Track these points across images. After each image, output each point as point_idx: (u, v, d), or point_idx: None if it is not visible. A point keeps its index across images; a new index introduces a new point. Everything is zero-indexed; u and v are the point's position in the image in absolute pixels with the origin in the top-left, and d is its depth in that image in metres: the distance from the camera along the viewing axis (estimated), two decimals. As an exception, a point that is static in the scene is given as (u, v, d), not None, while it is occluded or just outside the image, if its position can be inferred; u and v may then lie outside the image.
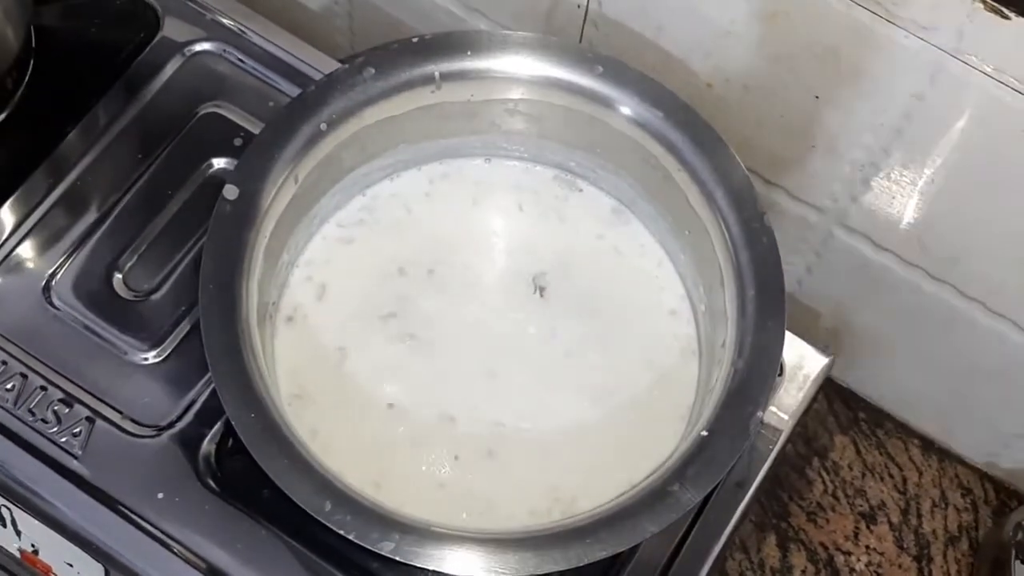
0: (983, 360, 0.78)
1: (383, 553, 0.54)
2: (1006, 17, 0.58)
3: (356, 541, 0.54)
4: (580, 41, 0.76)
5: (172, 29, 0.74)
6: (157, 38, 0.73)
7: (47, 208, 0.69)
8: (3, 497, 0.64)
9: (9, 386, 0.64)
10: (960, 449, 0.87)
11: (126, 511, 0.62)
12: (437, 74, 0.64)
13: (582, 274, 0.67)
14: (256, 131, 0.70)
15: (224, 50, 0.73)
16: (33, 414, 0.64)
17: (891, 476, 0.86)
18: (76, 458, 0.63)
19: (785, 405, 0.68)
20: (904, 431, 0.87)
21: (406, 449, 0.62)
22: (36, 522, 0.64)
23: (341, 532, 0.55)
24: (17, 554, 0.67)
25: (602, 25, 0.73)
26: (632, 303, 0.67)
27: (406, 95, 0.64)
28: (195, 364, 0.65)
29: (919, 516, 0.85)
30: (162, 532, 0.62)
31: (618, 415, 0.64)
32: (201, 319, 0.58)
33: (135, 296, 0.67)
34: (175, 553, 0.61)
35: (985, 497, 0.86)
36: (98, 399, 0.64)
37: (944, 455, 0.87)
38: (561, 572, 0.55)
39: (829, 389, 0.88)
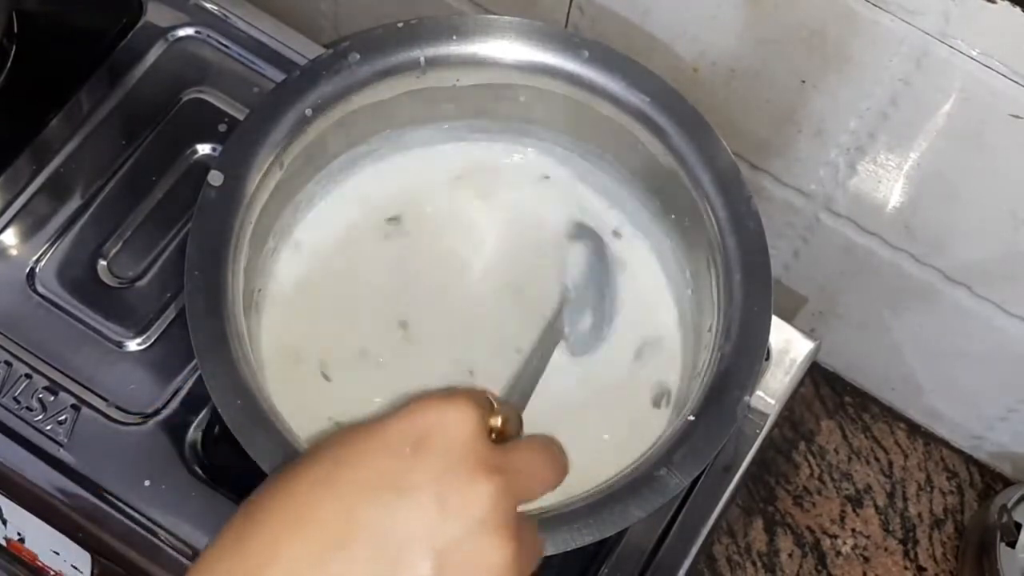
0: (968, 344, 0.78)
1: (371, 539, 0.54)
2: (992, 1, 0.58)
3: (343, 527, 0.54)
4: (566, 25, 0.75)
5: (155, 14, 0.73)
6: (140, 23, 0.73)
7: (30, 195, 0.69)
8: (-12, 485, 0.64)
9: (-7, 374, 0.64)
10: (945, 432, 0.87)
11: (112, 499, 0.62)
12: (422, 59, 0.64)
13: (565, 256, 0.67)
14: (240, 117, 0.70)
15: (208, 35, 0.73)
16: (18, 402, 0.63)
17: (877, 460, 0.86)
18: (62, 446, 0.63)
19: (772, 389, 0.69)
20: (890, 415, 0.88)
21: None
22: (22, 510, 0.64)
23: (328, 519, 0.54)
24: (3, 542, 0.67)
25: (588, 9, 0.73)
26: (613, 286, 0.67)
27: (391, 80, 0.64)
28: (181, 351, 0.65)
29: (905, 499, 0.85)
30: (149, 520, 0.62)
31: (600, 398, 0.64)
32: (186, 306, 0.58)
33: (120, 283, 0.67)
34: (162, 540, 0.62)
35: (970, 480, 0.86)
36: (83, 387, 0.64)
37: (929, 438, 0.87)
38: (548, 557, 0.55)
39: (815, 373, 0.88)
